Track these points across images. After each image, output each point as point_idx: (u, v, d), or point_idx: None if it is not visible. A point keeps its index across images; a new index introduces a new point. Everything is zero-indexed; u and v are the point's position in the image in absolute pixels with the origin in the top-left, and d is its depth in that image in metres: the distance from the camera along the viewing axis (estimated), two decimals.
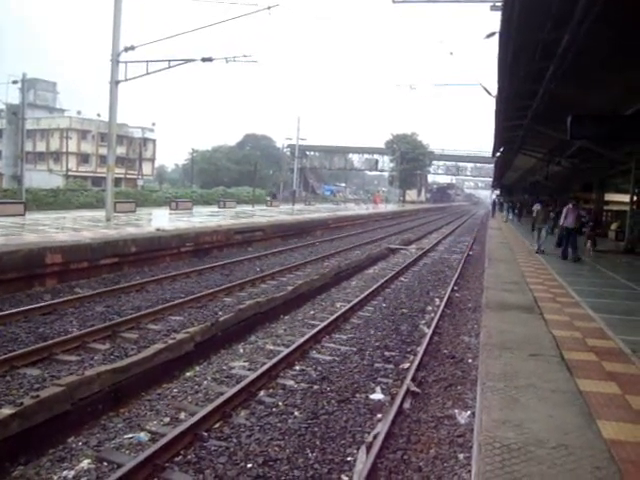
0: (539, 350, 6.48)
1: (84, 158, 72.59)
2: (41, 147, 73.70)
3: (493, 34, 11.02)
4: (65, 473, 5.11)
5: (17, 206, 23.03)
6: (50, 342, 8.23)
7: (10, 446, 5.30)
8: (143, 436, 5.84)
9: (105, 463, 5.28)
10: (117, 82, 20.43)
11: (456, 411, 6.67)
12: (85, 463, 5.27)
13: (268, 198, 59.15)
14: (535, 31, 8.95)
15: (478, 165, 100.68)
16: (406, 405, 6.80)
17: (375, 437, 5.80)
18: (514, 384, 5.28)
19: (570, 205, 16.84)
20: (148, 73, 20.54)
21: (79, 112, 74.63)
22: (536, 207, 26.69)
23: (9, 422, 5.33)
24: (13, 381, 6.95)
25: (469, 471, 4.98)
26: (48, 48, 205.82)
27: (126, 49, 20.29)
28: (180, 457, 5.39)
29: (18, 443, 5.38)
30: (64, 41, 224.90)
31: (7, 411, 5.46)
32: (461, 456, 5.52)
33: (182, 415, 6.39)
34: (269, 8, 19.97)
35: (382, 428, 5.96)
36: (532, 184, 43.62)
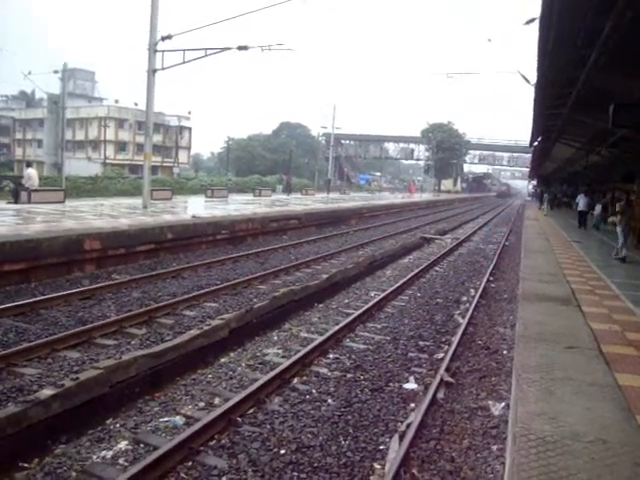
0: (576, 343, 6.39)
1: (121, 146, 73.65)
2: (80, 136, 75.01)
3: (533, 20, 10.79)
4: (104, 453, 5.23)
5: (57, 193, 23.50)
6: (89, 326, 8.41)
7: (52, 425, 5.46)
8: (178, 420, 5.94)
9: (142, 445, 5.38)
10: (154, 71, 20.59)
11: (490, 402, 6.61)
12: (123, 444, 5.39)
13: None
14: (577, 17, 8.74)
15: (515, 155, 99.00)
16: (440, 395, 6.78)
17: (408, 426, 5.79)
18: (550, 376, 5.22)
19: None
20: (185, 62, 20.62)
21: (117, 101, 75.78)
22: (580, 199, 25.83)
23: (51, 402, 5.49)
24: (54, 363, 7.13)
25: (502, 463, 4.94)
26: (86, 37, 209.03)
27: (163, 38, 20.39)
28: (214, 441, 5.46)
29: (59, 423, 5.54)
30: (102, 30, 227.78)
31: (49, 392, 5.62)
32: (494, 447, 5.48)
33: (216, 400, 6.47)
34: None
35: (415, 418, 5.95)
36: (570, 174, 42.79)
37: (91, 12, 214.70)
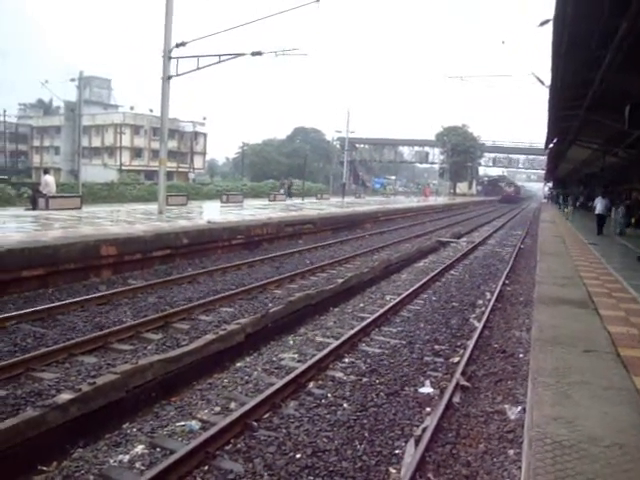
0: (593, 346, 6.32)
1: (137, 152, 74.30)
2: (96, 142, 75.76)
3: (547, 22, 10.75)
4: (121, 457, 5.28)
5: (74, 200, 23.70)
6: (106, 331, 8.47)
7: (70, 429, 5.52)
8: (194, 424, 5.97)
9: (158, 449, 5.42)
10: (169, 77, 20.75)
11: (506, 406, 6.58)
12: (139, 448, 5.44)
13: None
14: (591, 18, 8.70)
15: (530, 157, 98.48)
16: (455, 399, 6.75)
17: (424, 430, 5.78)
18: (567, 380, 5.17)
19: None
20: (199, 68, 20.78)
21: (132, 108, 76.46)
22: (597, 202, 24.05)
23: (69, 407, 5.55)
24: (72, 368, 7.19)
25: (519, 467, 4.92)
26: (102, 45, 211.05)
27: (177, 45, 20.57)
28: (230, 446, 5.49)
29: (77, 427, 5.60)
30: (117, 38, 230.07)
31: (67, 396, 5.68)
32: (511, 452, 5.46)
33: (232, 405, 6.49)
34: (318, 0, 19.90)
35: (431, 422, 5.94)
36: (587, 176, 42.40)
37: (105, 20, 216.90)
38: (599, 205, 22.73)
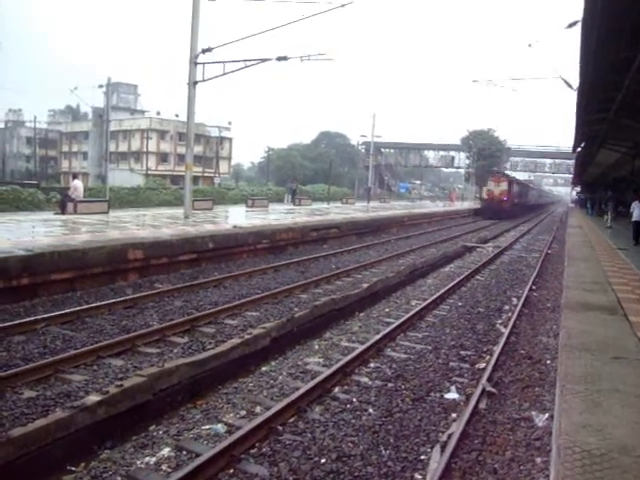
0: (623, 353, 6.22)
1: (163, 157, 75.05)
2: (123, 147, 76.73)
3: (575, 23, 10.65)
4: (147, 459, 5.32)
5: (102, 204, 24.00)
6: (132, 334, 8.55)
7: (97, 431, 5.60)
8: (220, 428, 5.99)
9: (184, 452, 5.46)
10: (195, 83, 20.94)
11: (533, 413, 6.50)
12: (165, 451, 5.47)
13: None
14: (621, 18, 8.59)
15: (557, 161, 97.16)
16: (481, 405, 6.69)
17: (449, 437, 5.73)
18: (595, 387, 5.09)
19: None
20: (225, 73, 20.90)
21: (158, 113, 77.28)
22: (635, 207, 21.47)
23: (96, 408, 5.62)
24: (99, 370, 7.28)
25: (547, 476, 4.84)
26: (128, 50, 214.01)
27: (203, 51, 20.73)
28: (255, 449, 5.50)
29: (104, 428, 5.67)
30: (144, 44, 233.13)
31: (95, 398, 5.76)
32: (538, 460, 5.38)
33: (258, 409, 6.50)
34: (343, 6, 19.91)
35: (457, 428, 5.89)
36: (616, 180, 41.71)
37: (134, 26, 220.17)
38: (636, 211, 20.31)
